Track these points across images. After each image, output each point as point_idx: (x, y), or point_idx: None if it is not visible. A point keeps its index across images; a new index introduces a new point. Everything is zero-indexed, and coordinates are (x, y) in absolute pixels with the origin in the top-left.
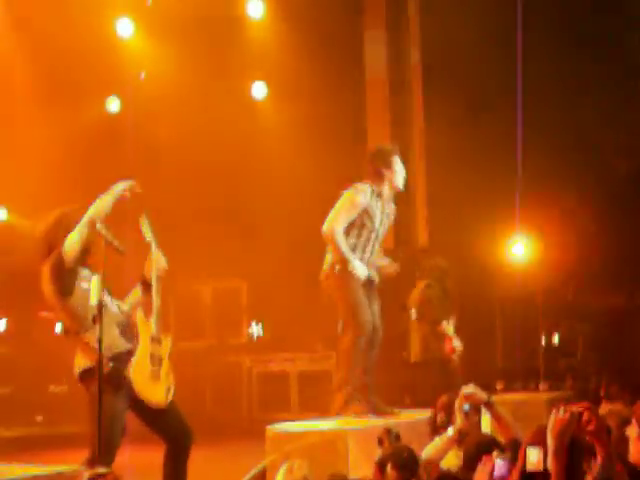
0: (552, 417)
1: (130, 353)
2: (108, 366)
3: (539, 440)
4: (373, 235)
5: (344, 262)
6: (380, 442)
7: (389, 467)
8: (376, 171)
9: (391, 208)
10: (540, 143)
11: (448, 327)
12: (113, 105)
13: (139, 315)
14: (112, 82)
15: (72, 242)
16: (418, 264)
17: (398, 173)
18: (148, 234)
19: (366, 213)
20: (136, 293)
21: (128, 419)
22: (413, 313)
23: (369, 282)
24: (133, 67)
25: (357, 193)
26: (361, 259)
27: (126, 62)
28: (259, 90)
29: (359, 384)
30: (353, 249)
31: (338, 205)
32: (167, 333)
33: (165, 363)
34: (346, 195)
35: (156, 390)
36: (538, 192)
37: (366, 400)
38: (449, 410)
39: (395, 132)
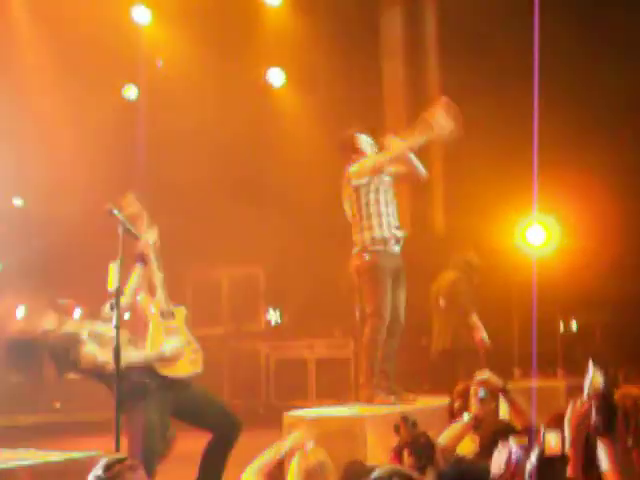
0: (569, 408)
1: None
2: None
3: (557, 425)
4: (390, 209)
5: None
6: (397, 429)
7: (406, 454)
8: (348, 159)
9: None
10: (558, 125)
11: (477, 320)
12: (131, 93)
13: (142, 297)
14: (129, 70)
15: None
16: (443, 253)
17: (365, 151)
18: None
19: (375, 186)
20: (134, 276)
21: None
22: (442, 302)
23: (396, 270)
24: (150, 55)
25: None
26: (388, 217)
27: (143, 50)
28: (276, 77)
29: (378, 370)
30: (380, 228)
31: (355, 166)
32: (176, 304)
33: (183, 333)
34: (353, 167)
35: (179, 364)
36: (556, 176)
37: (384, 386)
38: (466, 397)
39: (412, 118)
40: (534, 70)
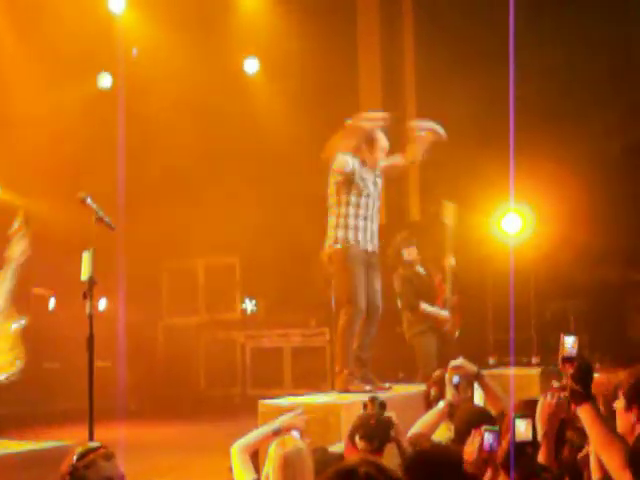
0: (541, 402)
1: None
2: None
3: (526, 411)
4: (371, 201)
5: (345, 240)
6: (364, 408)
7: (357, 438)
8: (356, 146)
9: (379, 169)
10: (534, 115)
11: (427, 307)
12: (105, 81)
13: None
14: (104, 58)
15: None
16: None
17: (378, 143)
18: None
19: (358, 178)
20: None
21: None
22: (398, 303)
23: (369, 259)
24: (125, 43)
25: (343, 155)
26: (365, 229)
27: (118, 38)
28: (251, 65)
29: (353, 358)
30: (355, 229)
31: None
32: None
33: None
34: (336, 158)
35: None
36: (532, 165)
37: (360, 374)
38: (442, 384)
39: (387, 104)
40: (510, 58)
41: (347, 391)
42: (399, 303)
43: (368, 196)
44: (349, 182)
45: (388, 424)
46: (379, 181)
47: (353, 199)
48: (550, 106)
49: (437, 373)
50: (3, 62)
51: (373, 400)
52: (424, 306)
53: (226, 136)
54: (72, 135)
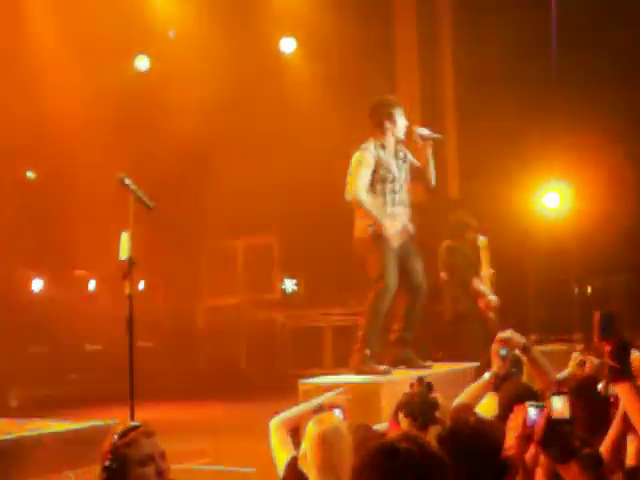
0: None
1: None
2: None
3: (564, 388)
4: (397, 185)
5: (376, 223)
6: (411, 388)
7: (401, 415)
8: (378, 123)
9: (404, 151)
10: (573, 90)
11: (479, 284)
12: (142, 64)
13: None
14: (141, 40)
15: None
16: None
17: (399, 124)
18: None
19: (380, 166)
20: None
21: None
22: (443, 275)
23: (404, 241)
24: (162, 25)
25: (363, 152)
26: (393, 213)
27: (155, 20)
28: (288, 45)
29: (394, 339)
30: (383, 205)
31: (352, 170)
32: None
33: None
34: (355, 158)
35: None
36: (573, 140)
37: (399, 353)
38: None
39: (425, 85)
40: (552, 35)
41: (360, 372)
42: (444, 276)
43: (394, 181)
44: (373, 172)
45: (433, 404)
46: (404, 164)
47: (379, 187)
48: (594, 79)
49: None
50: (41, 47)
51: (421, 380)
52: (476, 282)
53: (261, 116)
54: (110, 117)
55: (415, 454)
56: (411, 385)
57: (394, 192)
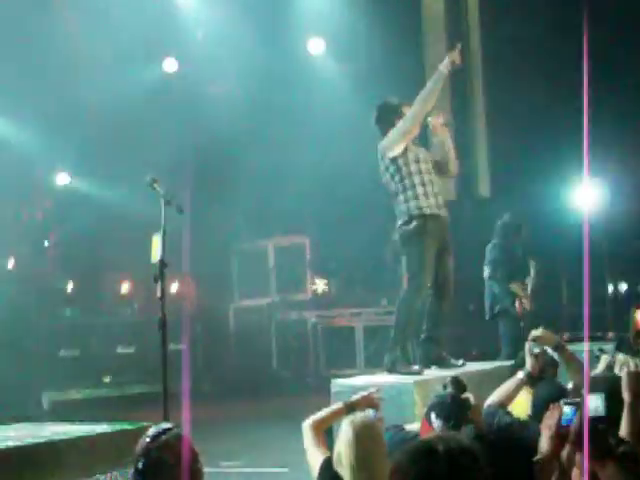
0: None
1: None
2: None
3: (598, 387)
4: (423, 165)
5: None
6: (444, 388)
7: (433, 416)
8: (392, 123)
9: (422, 151)
10: (608, 82)
11: (518, 288)
12: (170, 65)
13: None
14: (169, 42)
15: None
16: (489, 217)
17: None
18: None
19: (410, 149)
20: None
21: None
22: (485, 270)
23: (443, 236)
24: (190, 27)
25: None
26: (432, 193)
27: (183, 22)
28: (315, 46)
29: (425, 338)
30: (425, 195)
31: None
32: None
33: None
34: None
35: None
36: (607, 136)
37: (431, 352)
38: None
39: (455, 85)
40: (584, 28)
41: (394, 371)
42: (486, 271)
43: (418, 162)
44: (401, 157)
45: (465, 405)
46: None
47: (412, 168)
48: (629, 74)
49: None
50: (70, 47)
51: (454, 380)
52: (516, 284)
53: (291, 116)
54: (140, 119)
55: (454, 454)
56: (444, 385)
57: (429, 173)
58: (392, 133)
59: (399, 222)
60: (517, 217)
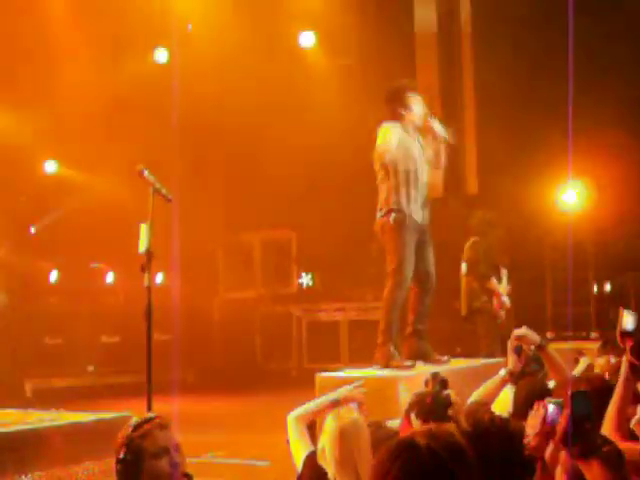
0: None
1: None
2: None
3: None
4: (419, 166)
5: (397, 209)
6: (426, 384)
7: (413, 415)
8: (393, 112)
9: (421, 141)
10: (592, 86)
11: (496, 284)
12: (161, 56)
13: None
14: (160, 33)
15: None
16: (468, 216)
17: (414, 109)
18: None
19: (403, 145)
20: None
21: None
22: (463, 268)
23: (422, 229)
24: (181, 18)
25: (387, 125)
26: (416, 198)
27: (174, 13)
28: (307, 39)
29: (410, 332)
30: (407, 197)
31: (380, 137)
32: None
33: None
34: (381, 130)
35: None
36: (590, 138)
37: (415, 347)
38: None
39: (444, 81)
40: (569, 30)
41: (387, 367)
42: (464, 268)
43: (416, 162)
44: (394, 155)
45: (446, 402)
46: (421, 150)
47: (401, 169)
48: (611, 75)
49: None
50: (60, 38)
51: (435, 376)
52: (494, 282)
53: (280, 110)
54: (129, 110)
55: (437, 449)
56: (426, 382)
57: (417, 173)
58: (387, 144)
59: (379, 213)
60: (488, 214)
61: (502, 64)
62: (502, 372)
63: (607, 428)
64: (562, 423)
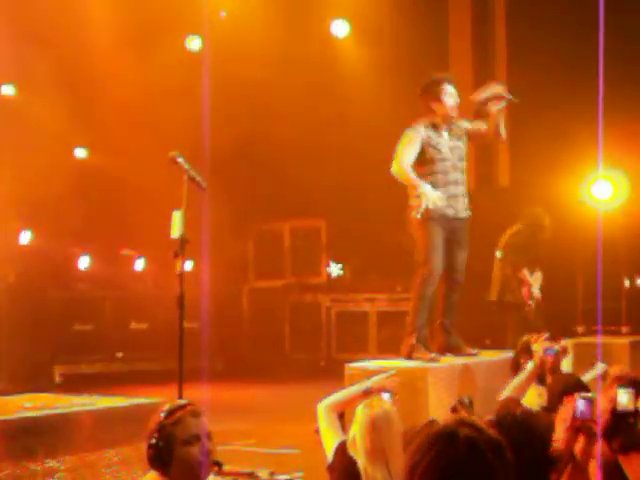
0: None
1: None
2: None
3: (629, 382)
4: (448, 164)
5: (418, 196)
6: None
7: None
8: (426, 106)
9: (460, 129)
10: (624, 75)
11: (528, 275)
12: (193, 44)
13: None
14: (192, 21)
15: None
16: (507, 208)
17: (446, 102)
18: None
19: (428, 146)
20: None
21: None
22: (498, 253)
23: (452, 225)
24: (214, 5)
25: (410, 130)
26: (446, 194)
27: (207, 0)
28: (340, 28)
29: (438, 325)
30: (434, 187)
31: (398, 147)
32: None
33: None
34: (403, 135)
35: None
36: (623, 129)
37: (442, 340)
38: (529, 350)
39: (478, 75)
40: (599, 24)
41: (410, 358)
42: (499, 254)
43: (444, 160)
44: (421, 153)
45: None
46: (458, 143)
47: (427, 168)
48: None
49: (524, 339)
50: (93, 26)
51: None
52: (526, 272)
53: (312, 99)
54: (161, 97)
55: (475, 439)
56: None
57: (445, 172)
58: (401, 167)
59: (408, 211)
60: (542, 214)
61: (535, 54)
62: (529, 366)
63: None
64: (606, 417)
